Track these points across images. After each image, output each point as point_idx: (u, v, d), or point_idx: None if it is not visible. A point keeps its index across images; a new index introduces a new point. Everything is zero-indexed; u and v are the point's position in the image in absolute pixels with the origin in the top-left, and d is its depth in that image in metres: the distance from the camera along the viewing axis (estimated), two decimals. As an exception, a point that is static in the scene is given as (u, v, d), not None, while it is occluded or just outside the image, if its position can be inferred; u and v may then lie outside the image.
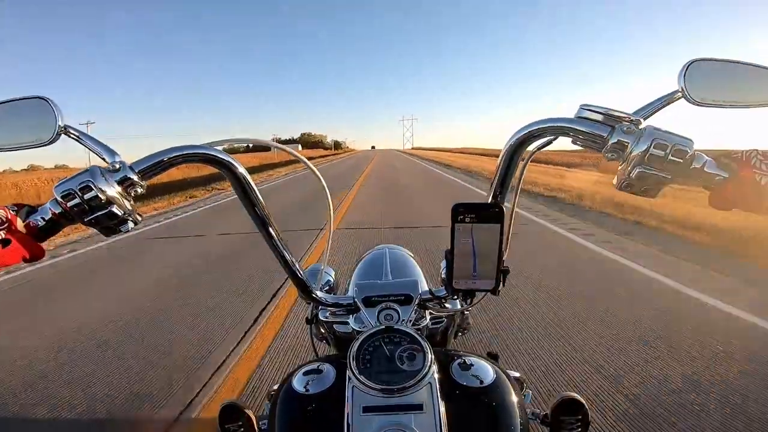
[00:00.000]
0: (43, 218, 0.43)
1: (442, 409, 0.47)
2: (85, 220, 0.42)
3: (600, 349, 2.10)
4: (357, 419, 0.47)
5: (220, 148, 0.50)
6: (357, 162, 28.45)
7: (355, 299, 0.66)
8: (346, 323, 0.69)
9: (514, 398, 0.52)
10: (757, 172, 0.39)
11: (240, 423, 0.67)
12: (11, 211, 0.42)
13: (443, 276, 0.83)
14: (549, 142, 0.50)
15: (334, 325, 0.72)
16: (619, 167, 0.43)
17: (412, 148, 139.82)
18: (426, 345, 0.53)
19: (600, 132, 0.43)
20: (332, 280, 0.83)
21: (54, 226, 0.43)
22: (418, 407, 0.47)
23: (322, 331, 0.82)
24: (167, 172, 0.49)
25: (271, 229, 0.58)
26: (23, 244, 0.41)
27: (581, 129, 0.44)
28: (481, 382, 0.53)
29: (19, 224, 0.42)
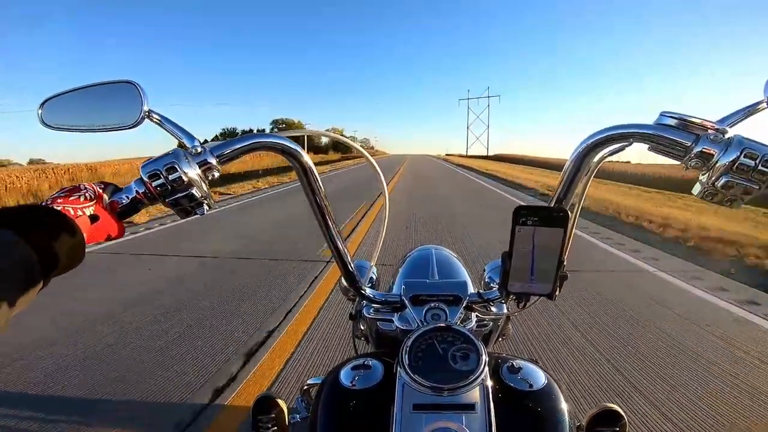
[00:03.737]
0: (127, 197, 0.45)
1: (493, 410, 0.47)
2: (167, 200, 0.44)
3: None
4: (406, 417, 0.47)
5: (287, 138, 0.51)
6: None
7: (403, 297, 0.67)
8: (391, 321, 0.69)
9: (563, 405, 0.52)
10: None
11: (272, 415, 0.68)
12: (98, 189, 0.44)
13: (486, 280, 0.83)
14: (621, 149, 0.49)
15: (378, 323, 0.72)
16: (701, 176, 0.42)
17: (485, 157, 79.18)
18: (481, 346, 0.52)
19: (684, 140, 0.42)
20: (375, 277, 0.83)
21: (135, 205, 0.45)
22: (470, 407, 0.47)
23: (362, 328, 0.82)
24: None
25: (328, 219, 0.58)
26: (108, 221, 0.43)
27: (663, 136, 0.43)
28: (531, 386, 0.52)
29: (105, 202, 0.44)
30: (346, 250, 0.62)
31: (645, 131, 0.44)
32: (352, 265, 0.64)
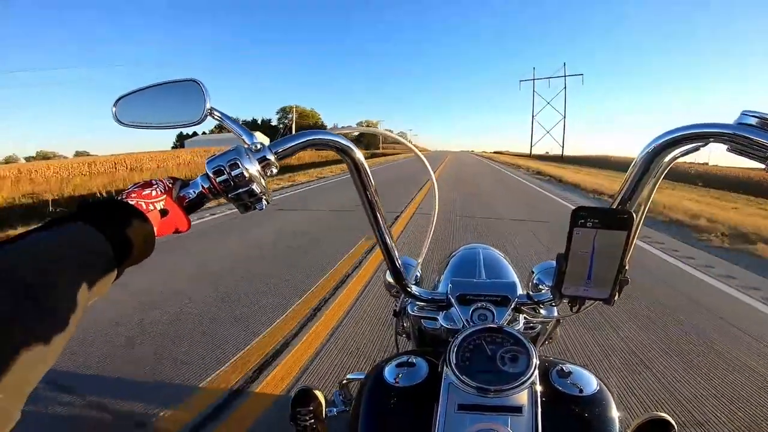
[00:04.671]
0: (194, 192, 0.47)
1: (540, 414, 0.46)
2: (230, 195, 0.46)
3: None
4: (450, 416, 0.46)
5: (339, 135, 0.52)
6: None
7: (449, 296, 0.66)
8: (435, 320, 0.69)
9: (614, 412, 0.50)
10: None
11: (311, 408, 0.70)
12: (168, 184, 0.46)
13: (535, 282, 0.80)
14: (696, 149, 0.46)
15: (422, 321, 0.72)
16: None
17: (559, 158, 55.28)
18: (531, 348, 0.51)
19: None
20: (419, 275, 0.83)
21: (201, 200, 0.47)
22: (517, 410, 0.46)
23: (405, 325, 0.83)
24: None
25: (378, 214, 0.59)
26: (176, 216, 0.45)
27: (746, 136, 0.40)
28: (581, 391, 0.51)
29: (174, 197, 0.45)
30: (394, 246, 0.62)
31: (724, 131, 0.41)
32: (399, 262, 0.64)
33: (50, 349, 0.27)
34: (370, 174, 0.55)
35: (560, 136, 74.99)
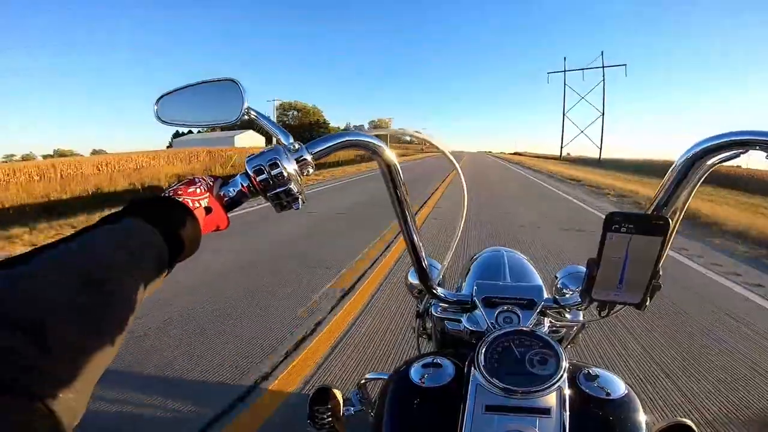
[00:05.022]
0: (234, 190, 0.47)
1: (568, 417, 0.46)
2: (269, 194, 0.46)
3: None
4: (478, 417, 0.47)
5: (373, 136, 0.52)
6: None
7: (474, 298, 0.66)
8: (459, 321, 0.69)
9: (642, 416, 0.50)
10: None
11: (329, 406, 0.71)
12: (210, 182, 0.46)
13: (559, 286, 0.80)
14: (737, 156, 0.46)
15: (445, 322, 0.72)
16: None
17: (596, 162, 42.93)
18: (561, 351, 0.51)
19: None
20: (441, 277, 0.83)
21: (240, 198, 0.48)
22: (545, 411, 0.46)
23: (428, 326, 0.83)
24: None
25: (407, 213, 0.59)
26: (218, 213, 0.46)
27: None
28: (608, 394, 0.50)
29: (216, 194, 0.46)
30: (421, 247, 0.63)
31: (766, 138, 0.41)
32: (426, 263, 0.64)
33: (111, 344, 0.28)
34: (401, 173, 0.56)
35: (596, 136, 60.73)
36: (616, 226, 0.47)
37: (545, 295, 0.66)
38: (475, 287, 0.67)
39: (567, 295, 0.70)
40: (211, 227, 0.45)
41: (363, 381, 0.90)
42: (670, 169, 0.48)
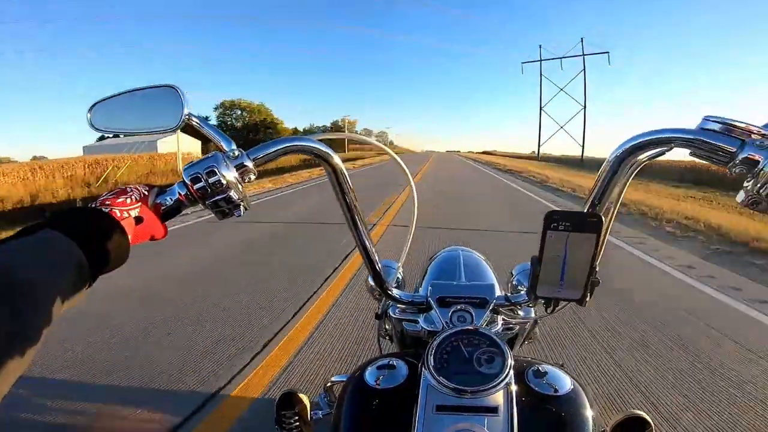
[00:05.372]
0: (170, 199, 0.46)
1: (516, 414, 0.47)
2: (207, 202, 0.46)
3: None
4: (429, 417, 0.47)
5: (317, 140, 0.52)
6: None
7: (429, 298, 0.67)
8: (416, 322, 0.70)
9: (589, 411, 0.52)
10: None
11: (295, 410, 0.70)
12: (143, 191, 0.45)
13: (514, 283, 0.82)
14: (661, 154, 0.48)
15: (404, 323, 0.73)
16: (746, 183, 0.41)
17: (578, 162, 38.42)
18: (506, 349, 0.53)
19: (728, 146, 0.41)
20: (401, 278, 0.84)
21: (178, 207, 0.47)
22: (493, 410, 0.47)
23: (387, 327, 0.84)
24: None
25: (357, 219, 0.59)
26: (152, 223, 0.45)
27: (707, 141, 0.42)
28: (556, 390, 0.52)
29: (150, 204, 0.45)
30: (374, 250, 0.63)
31: (687, 136, 0.43)
32: (379, 265, 0.65)
33: (23, 356, 0.28)
34: (348, 179, 0.56)
35: (578, 132, 53.72)
36: (555, 224, 0.48)
37: (498, 293, 0.68)
38: (430, 288, 0.68)
39: (520, 292, 0.72)
40: (144, 237, 0.45)
41: (329, 384, 0.89)
42: (602, 168, 0.50)
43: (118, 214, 0.41)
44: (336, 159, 0.53)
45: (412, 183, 0.66)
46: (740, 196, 0.42)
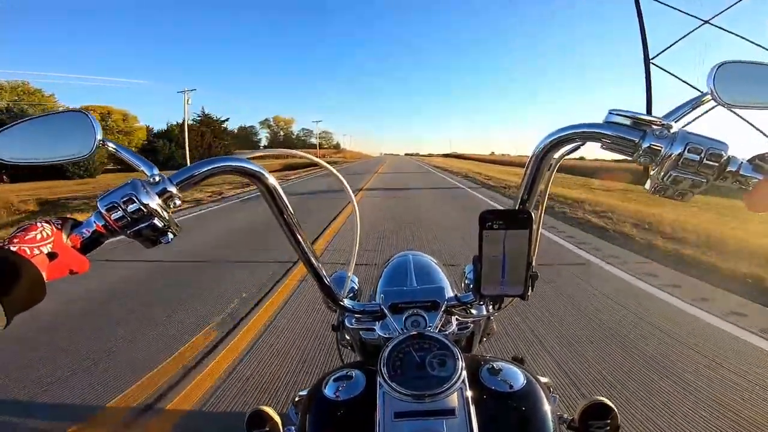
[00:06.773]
0: (87, 231, 0.44)
1: (473, 414, 0.47)
2: (129, 232, 0.43)
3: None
4: (389, 425, 0.47)
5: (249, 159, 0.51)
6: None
7: (382, 306, 0.67)
8: (373, 330, 0.69)
9: (545, 403, 0.53)
10: None
11: (267, 428, 0.68)
12: (56, 225, 0.43)
13: (467, 282, 0.83)
14: (577, 148, 0.50)
15: (361, 332, 0.72)
16: (652, 171, 0.43)
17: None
18: (456, 350, 0.53)
19: (631, 137, 0.43)
20: (356, 287, 0.83)
21: (98, 239, 0.44)
22: (450, 412, 0.47)
23: (348, 337, 0.82)
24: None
25: (299, 236, 0.58)
26: (69, 257, 0.42)
27: (612, 134, 0.44)
28: (511, 386, 0.53)
29: (64, 238, 0.43)
30: (319, 265, 0.62)
31: (594, 130, 0.45)
32: (327, 279, 0.64)
33: None
34: (284, 197, 0.55)
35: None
36: (489, 223, 0.49)
37: (448, 295, 0.68)
38: (382, 295, 0.68)
39: (471, 291, 0.73)
40: (62, 272, 0.42)
41: (297, 399, 0.87)
42: (525, 166, 0.51)
43: (28, 252, 0.39)
44: (270, 179, 0.52)
45: (354, 200, 0.65)
46: (647, 184, 0.44)
